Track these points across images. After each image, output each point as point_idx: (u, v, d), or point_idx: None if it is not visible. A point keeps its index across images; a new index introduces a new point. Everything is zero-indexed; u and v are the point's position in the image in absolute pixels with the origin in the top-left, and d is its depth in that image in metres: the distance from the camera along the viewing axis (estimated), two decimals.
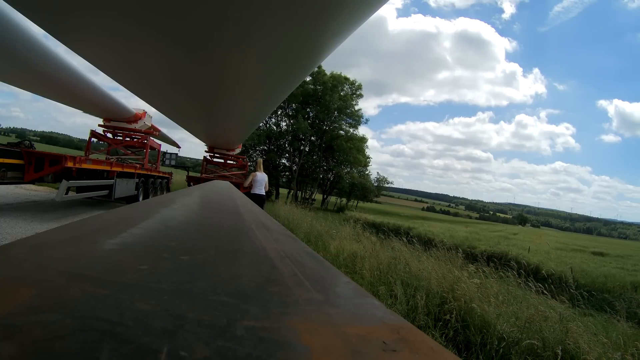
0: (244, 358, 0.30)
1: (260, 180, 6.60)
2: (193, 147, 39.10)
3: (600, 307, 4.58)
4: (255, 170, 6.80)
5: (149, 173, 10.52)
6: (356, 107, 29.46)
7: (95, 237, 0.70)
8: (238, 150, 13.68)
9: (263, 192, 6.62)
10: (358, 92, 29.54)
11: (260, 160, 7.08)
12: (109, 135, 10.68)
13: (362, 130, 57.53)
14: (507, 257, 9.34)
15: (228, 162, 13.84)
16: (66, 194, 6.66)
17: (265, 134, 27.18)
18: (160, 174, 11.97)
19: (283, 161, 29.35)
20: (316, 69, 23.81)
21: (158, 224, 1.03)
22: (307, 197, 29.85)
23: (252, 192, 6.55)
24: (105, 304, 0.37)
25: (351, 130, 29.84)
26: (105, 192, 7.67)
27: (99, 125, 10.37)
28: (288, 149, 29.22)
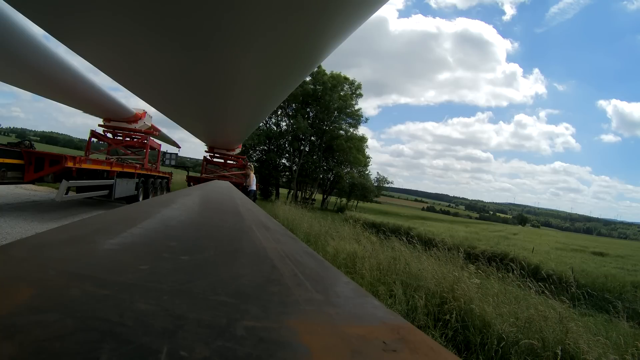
0: (244, 358, 0.30)
1: (254, 179, 9.70)
2: (193, 147, 39.09)
3: (600, 307, 4.58)
4: (250, 172, 9.96)
5: (149, 173, 10.53)
6: (356, 107, 29.52)
7: (95, 237, 0.70)
8: (238, 150, 13.68)
9: (255, 188, 9.66)
10: (358, 92, 29.56)
11: (251, 165, 10.61)
12: (109, 135, 10.69)
13: (361, 130, 57.63)
14: (508, 257, 9.33)
15: (228, 162, 13.85)
16: (66, 194, 6.66)
17: (265, 134, 27.17)
18: (160, 174, 11.97)
19: (283, 161, 29.36)
20: (316, 69, 23.80)
21: (158, 224, 1.03)
22: (307, 197, 29.81)
23: (249, 188, 9.32)
24: (105, 304, 0.37)
25: (351, 130, 29.87)
26: (105, 192, 7.67)
27: (99, 125, 10.38)
28: (288, 149, 29.20)
